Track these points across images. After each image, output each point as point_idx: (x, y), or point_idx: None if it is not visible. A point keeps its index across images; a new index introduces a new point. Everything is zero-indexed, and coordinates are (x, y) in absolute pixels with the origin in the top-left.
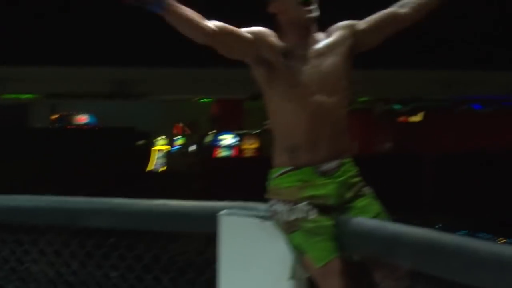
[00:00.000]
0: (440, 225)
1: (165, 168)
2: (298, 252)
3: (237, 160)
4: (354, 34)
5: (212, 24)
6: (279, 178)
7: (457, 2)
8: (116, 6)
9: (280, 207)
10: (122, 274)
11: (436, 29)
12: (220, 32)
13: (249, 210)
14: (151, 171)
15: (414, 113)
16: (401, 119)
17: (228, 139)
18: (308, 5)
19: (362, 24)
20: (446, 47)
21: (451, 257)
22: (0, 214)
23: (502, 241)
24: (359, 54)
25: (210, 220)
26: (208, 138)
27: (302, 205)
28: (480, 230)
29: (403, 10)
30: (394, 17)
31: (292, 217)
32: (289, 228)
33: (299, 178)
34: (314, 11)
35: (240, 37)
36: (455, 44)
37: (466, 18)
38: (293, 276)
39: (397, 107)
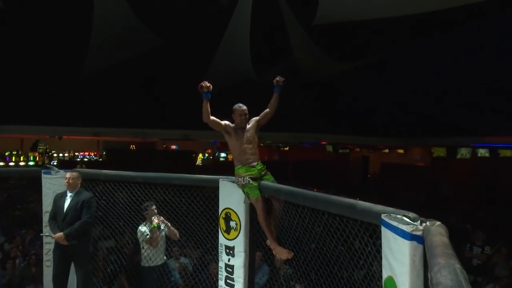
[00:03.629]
0: (296, 186)
1: (201, 164)
2: (247, 194)
3: (227, 161)
4: (257, 121)
5: (211, 117)
6: (238, 169)
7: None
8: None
9: (240, 179)
10: (186, 200)
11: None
12: (212, 121)
13: (230, 179)
14: (197, 165)
15: (286, 146)
16: (281, 148)
17: (223, 154)
18: (244, 118)
19: (259, 117)
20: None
21: (297, 196)
22: (146, 179)
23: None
24: (261, 128)
25: (216, 182)
26: (216, 154)
27: (247, 178)
28: (308, 187)
29: (268, 110)
30: (266, 114)
31: (245, 182)
32: (244, 185)
33: (245, 169)
34: (245, 120)
35: (220, 124)
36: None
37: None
38: (245, 201)
39: (280, 144)
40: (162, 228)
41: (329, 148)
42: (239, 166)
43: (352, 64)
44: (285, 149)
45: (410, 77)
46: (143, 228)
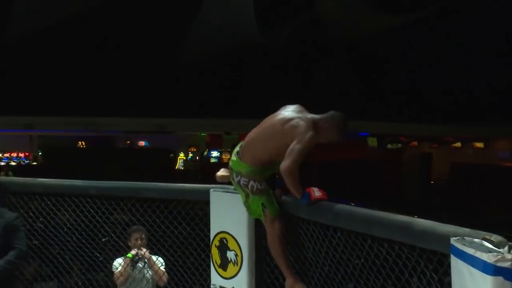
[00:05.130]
0: None
1: (183, 167)
2: (263, 207)
3: (220, 164)
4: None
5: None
6: (255, 170)
7: None
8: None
9: (253, 182)
10: (162, 220)
11: None
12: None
13: (225, 189)
14: (177, 169)
15: None
16: None
17: (215, 153)
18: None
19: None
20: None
21: (326, 211)
22: (101, 191)
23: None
24: None
25: (206, 193)
26: (205, 153)
27: (265, 183)
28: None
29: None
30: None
31: (263, 187)
32: (259, 192)
33: (263, 173)
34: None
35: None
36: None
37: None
38: (261, 218)
39: None
40: (140, 265)
41: (373, 141)
42: (259, 167)
43: (406, 19)
44: None
45: (494, 36)
46: (118, 261)
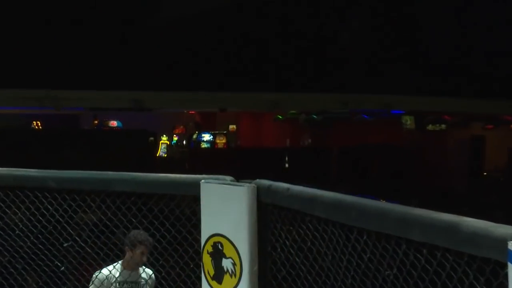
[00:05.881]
0: (343, 191)
1: (166, 154)
2: None
3: (212, 150)
4: None
5: None
6: None
7: None
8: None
9: None
10: (139, 220)
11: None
12: None
13: (219, 180)
14: (158, 156)
15: (326, 120)
16: (317, 124)
17: (207, 136)
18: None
19: None
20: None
21: (350, 209)
22: (62, 183)
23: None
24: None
25: (195, 186)
26: (195, 136)
27: None
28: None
29: None
30: None
31: None
32: None
33: None
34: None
35: None
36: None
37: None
38: None
39: (314, 116)
40: (143, 281)
41: (409, 121)
42: None
43: None
44: (325, 124)
45: None
46: (102, 274)
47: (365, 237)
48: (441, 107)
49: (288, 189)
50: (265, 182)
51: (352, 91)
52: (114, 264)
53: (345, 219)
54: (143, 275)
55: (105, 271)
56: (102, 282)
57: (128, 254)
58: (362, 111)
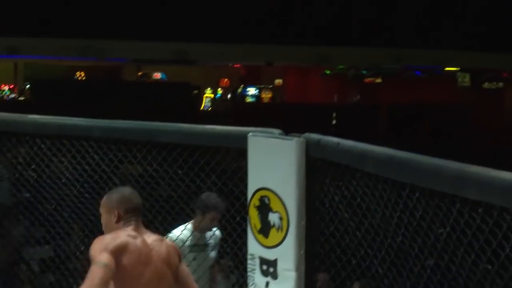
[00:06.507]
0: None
1: (210, 108)
2: None
3: (258, 104)
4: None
5: None
6: None
7: None
8: None
9: None
10: (186, 172)
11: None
12: None
13: (268, 133)
14: (202, 110)
15: (375, 76)
16: (366, 80)
17: (252, 90)
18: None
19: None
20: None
21: (403, 165)
22: (108, 132)
23: None
24: None
25: (242, 139)
26: (239, 90)
27: None
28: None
29: None
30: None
31: None
32: None
33: None
34: None
35: None
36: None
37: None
38: None
39: (363, 72)
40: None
41: (464, 78)
42: None
43: None
44: (375, 81)
45: None
46: (178, 233)
47: (417, 195)
48: (499, 64)
49: (338, 143)
50: (315, 136)
51: (404, 46)
52: (186, 225)
53: (397, 176)
54: (213, 237)
55: (177, 232)
56: (182, 249)
57: (198, 217)
58: (414, 68)
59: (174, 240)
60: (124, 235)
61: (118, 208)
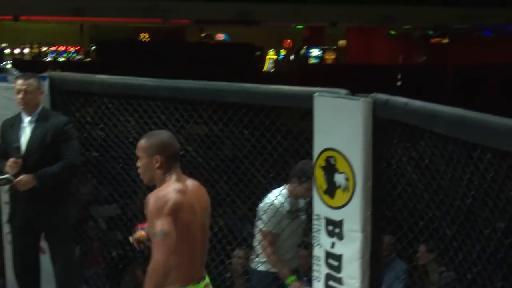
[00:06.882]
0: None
1: (273, 69)
2: None
3: (321, 65)
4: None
5: None
6: None
7: None
8: None
9: None
10: (251, 132)
11: None
12: None
13: (334, 93)
14: (265, 71)
15: (442, 36)
16: (433, 41)
17: (315, 52)
18: None
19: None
20: None
21: (474, 126)
22: (175, 92)
23: None
24: None
25: (308, 99)
26: (302, 51)
27: None
28: None
29: None
30: None
31: None
32: None
33: None
34: None
35: None
36: None
37: None
38: None
39: (430, 32)
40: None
41: None
42: None
43: None
44: (442, 41)
45: None
46: (274, 200)
47: (488, 156)
48: None
49: (406, 103)
50: (382, 97)
51: (472, 5)
52: (280, 190)
53: (468, 136)
54: (302, 203)
55: (272, 196)
56: (278, 215)
57: (294, 184)
58: (483, 27)
59: (269, 206)
60: (173, 192)
61: (161, 154)
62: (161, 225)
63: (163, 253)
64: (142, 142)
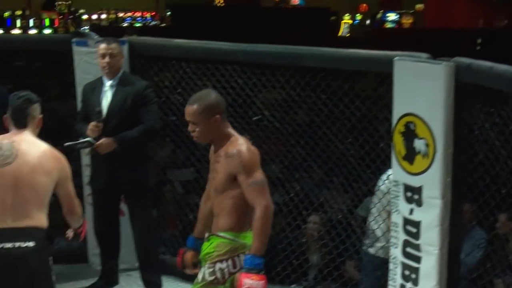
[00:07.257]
0: None
1: (349, 34)
2: None
3: (398, 30)
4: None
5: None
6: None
7: None
8: None
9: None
10: (328, 96)
11: None
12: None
13: (414, 57)
14: (340, 36)
15: None
16: None
17: (392, 16)
18: None
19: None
20: None
21: None
22: (250, 56)
23: None
24: None
25: (388, 64)
26: (379, 16)
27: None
28: None
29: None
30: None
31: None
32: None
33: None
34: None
35: None
36: None
37: None
38: None
39: None
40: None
41: None
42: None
43: None
44: None
45: None
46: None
47: None
48: None
49: (491, 67)
50: (465, 61)
51: None
52: None
53: None
54: None
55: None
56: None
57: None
58: None
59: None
60: (251, 144)
61: (219, 112)
62: (260, 174)
63: (267, 197)
64: (195, 107)
